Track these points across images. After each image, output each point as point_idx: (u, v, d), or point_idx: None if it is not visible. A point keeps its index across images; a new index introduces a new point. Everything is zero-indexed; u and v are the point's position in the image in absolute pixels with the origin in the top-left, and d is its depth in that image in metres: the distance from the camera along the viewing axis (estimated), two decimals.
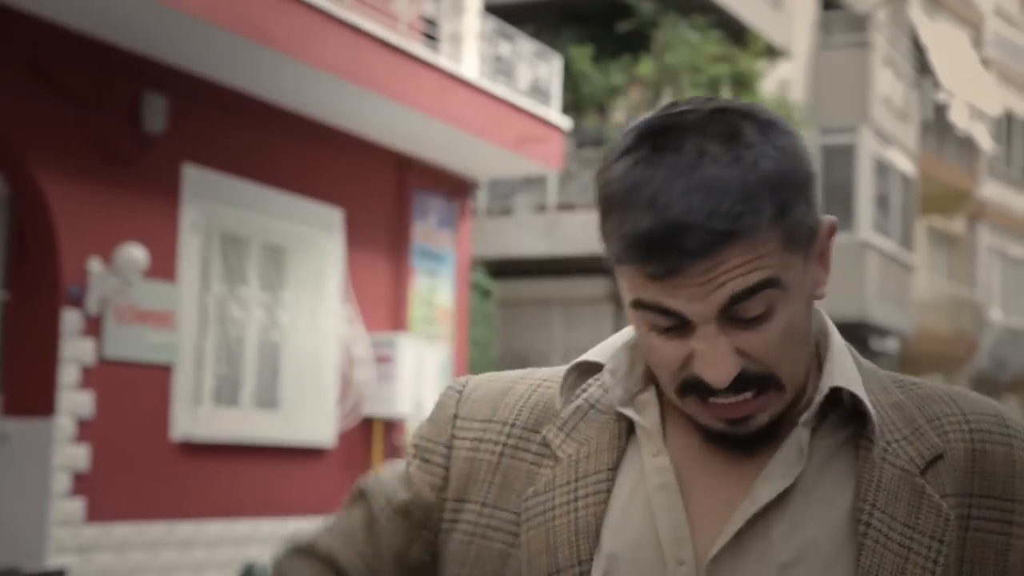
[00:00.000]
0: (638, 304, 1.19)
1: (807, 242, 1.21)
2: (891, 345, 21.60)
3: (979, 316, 25.98)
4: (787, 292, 1.19)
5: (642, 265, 1.16)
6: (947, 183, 24.71)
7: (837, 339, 1.31)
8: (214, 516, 9.02)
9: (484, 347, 14.22)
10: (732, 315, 1.17)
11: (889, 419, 1.26)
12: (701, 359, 1.18)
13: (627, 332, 1.32)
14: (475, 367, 13.35)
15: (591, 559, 1.23)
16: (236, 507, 9.21)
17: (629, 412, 1.27)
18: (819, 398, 1.24)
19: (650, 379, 1.29)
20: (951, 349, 24.58)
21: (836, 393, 1.25)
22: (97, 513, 8.16)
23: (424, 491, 1.33)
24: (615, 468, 1.27)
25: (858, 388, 1.26)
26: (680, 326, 1.18)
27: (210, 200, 9.11)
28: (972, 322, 25.49)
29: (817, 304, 1.27)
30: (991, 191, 26.71)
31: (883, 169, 21.41)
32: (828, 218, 1.25)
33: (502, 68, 11.45)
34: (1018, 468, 1.25)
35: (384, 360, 10.39)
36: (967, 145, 25.33)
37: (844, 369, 1.27)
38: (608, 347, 1.32)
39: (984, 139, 25.23)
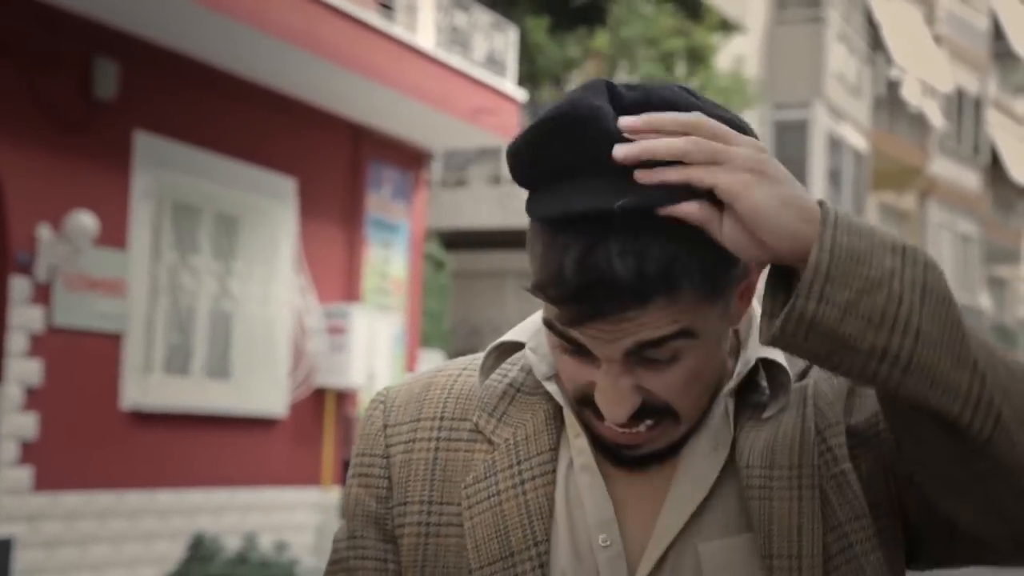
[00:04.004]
0: (549, 324, 1.17)
1: (730, 289, 1.18)
2: None
3: None
4: (700, 339, 1.16)
5: (560, 310, 1.13)
6: (898, 159, 24.90)
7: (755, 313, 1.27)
8: (164, 486, 8.98)
9: (437, 318, 14.21)
10: (639, 356, 1.15)
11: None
12: (601, 394, 1.17)
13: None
14: (428, 338, 13.34)
15: (548, 539, 1.22)
16: (186, 477, 9.17)
17: (551, 388, 1.26)
18: (742, 371, 1.23)
19: None
20: None
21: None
22: (45, 482, 8.09)
23: (372, 506, 1.31)
24: (556, 448, 1.26)
25: (777, 354, 1.24)
26: (588, 352, 1.16)
27: (162, 168, 9.02)
28: None
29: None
30: (941, 167, 26.93)
31: (835, 144, 21.54)
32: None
33: (458, 39, 11.40)
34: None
35: (337, 331, 10.36)
36: (918, 121, 25.51)
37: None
38: (529, 326, 1.30)
39: (935, 116, 25.42)
